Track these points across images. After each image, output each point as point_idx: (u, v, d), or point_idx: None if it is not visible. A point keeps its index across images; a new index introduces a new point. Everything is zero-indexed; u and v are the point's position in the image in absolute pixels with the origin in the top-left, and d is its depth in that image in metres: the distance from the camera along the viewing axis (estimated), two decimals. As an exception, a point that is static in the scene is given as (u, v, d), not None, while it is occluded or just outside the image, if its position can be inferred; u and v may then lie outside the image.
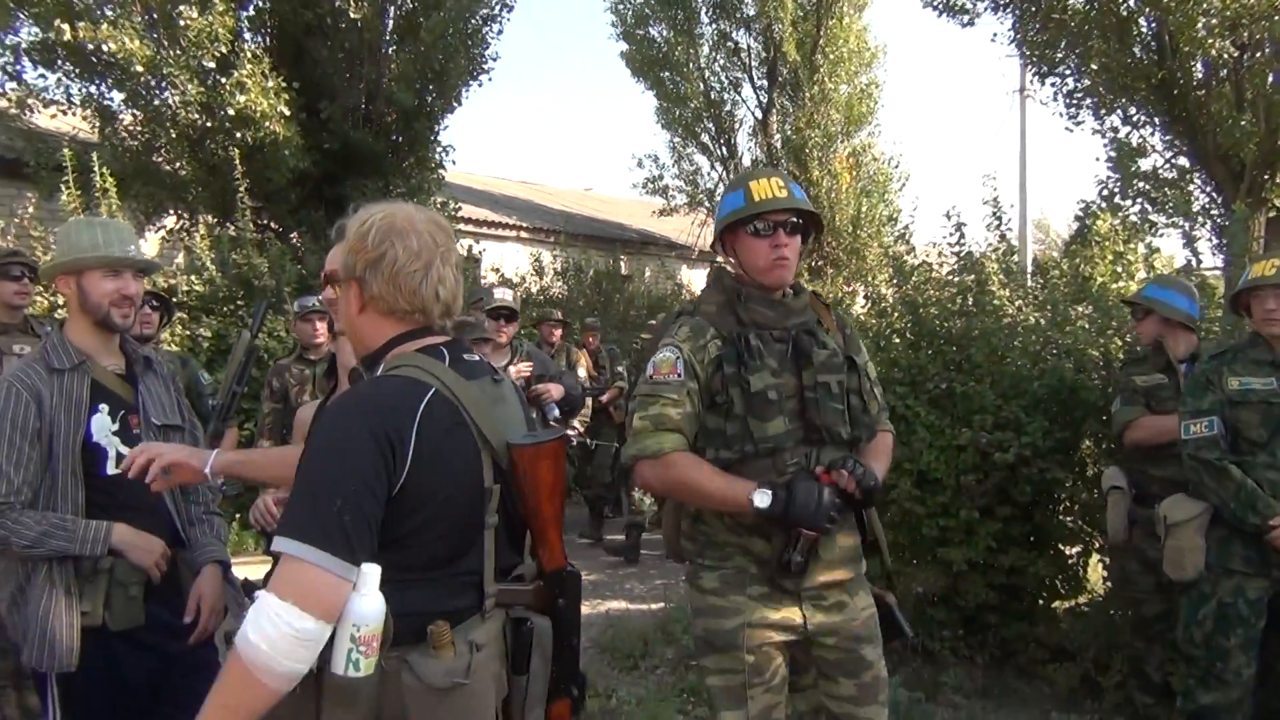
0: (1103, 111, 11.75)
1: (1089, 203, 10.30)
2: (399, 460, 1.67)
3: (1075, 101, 11.96)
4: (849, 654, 2.70)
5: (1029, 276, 7.41)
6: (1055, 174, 67.81)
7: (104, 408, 2.66)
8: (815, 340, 2.66)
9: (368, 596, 1.61)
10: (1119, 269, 6.84)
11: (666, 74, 18.47)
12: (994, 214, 6.29)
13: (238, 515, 7.48)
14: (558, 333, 8.88)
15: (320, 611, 1.58)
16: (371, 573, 1.62)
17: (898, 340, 5.81)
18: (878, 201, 18.04)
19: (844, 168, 17.56)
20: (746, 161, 18.95)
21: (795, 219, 2.63)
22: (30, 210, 10.38)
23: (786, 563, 2.50)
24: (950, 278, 6.00)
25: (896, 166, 18.70)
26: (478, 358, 1.95)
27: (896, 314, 6.01)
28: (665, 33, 18.43)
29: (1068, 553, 5.40)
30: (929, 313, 5.70)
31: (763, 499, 2.41)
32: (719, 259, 3.00)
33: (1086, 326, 5.48)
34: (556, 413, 5.35)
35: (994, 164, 18.97)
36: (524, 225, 17.91)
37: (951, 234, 6.11)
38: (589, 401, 8.25)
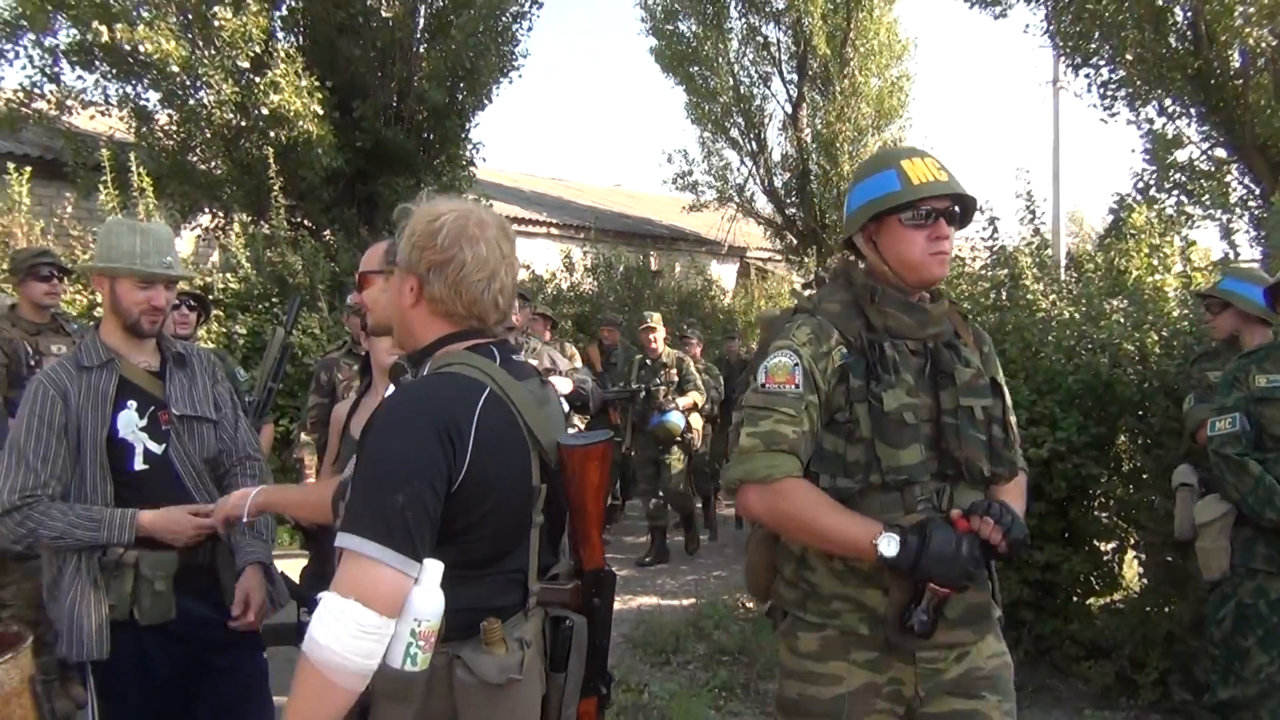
0: (1138, 103, 11.63)
1: (1124, 195, 10.21)
2: (459, 455, 1.68)
3: (1110, 93, 11.85)
4: (964, 710, 2.20)
5: (1063, 270, 7.35)
6: (1089, 166, 67.05)
7: (132, 404, 2.69)
8: (958, 356, 2.27)
9: (430, 591, 1.62)
10: (1155, 262, 6.75)
11: (696, 69, 18.44)
12: (1027, 207, 6.25)
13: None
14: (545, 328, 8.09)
15: (383, 607, 1.58)
16: (434, 568, 1.63)
17: (930, 335, 5.77)
18: (909, 196, 17.92)
19: (875, 162, 17.47)
20: (776, 157, 18.92)
21: (955, 207, 2.27)
22: (69, 209, 10.53)
23: (909, 623, 2.06)
24: (983, 272, 5.97)
25: (928, 161, 18.53)
26: (523, 358, 1.98)
27: (929, 309, 5.97)
28: (694, 27, 18.38)
29: (1103, 549, 5.36)
30: (962, 308, 5.65)
31: (889, 546, 2.00)
32: (839, 254, 2.72)
33: (1122, 321, 5.42)
34: (564, 406, 5.39)
35: (1027, 157, 18.88)
36: (554, 222, 17.98)
37: (984, 228, 6.09)
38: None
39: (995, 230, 6.07)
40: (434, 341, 1.88)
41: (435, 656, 1.65)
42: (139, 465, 2.67)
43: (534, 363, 5.02)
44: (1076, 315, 5.52)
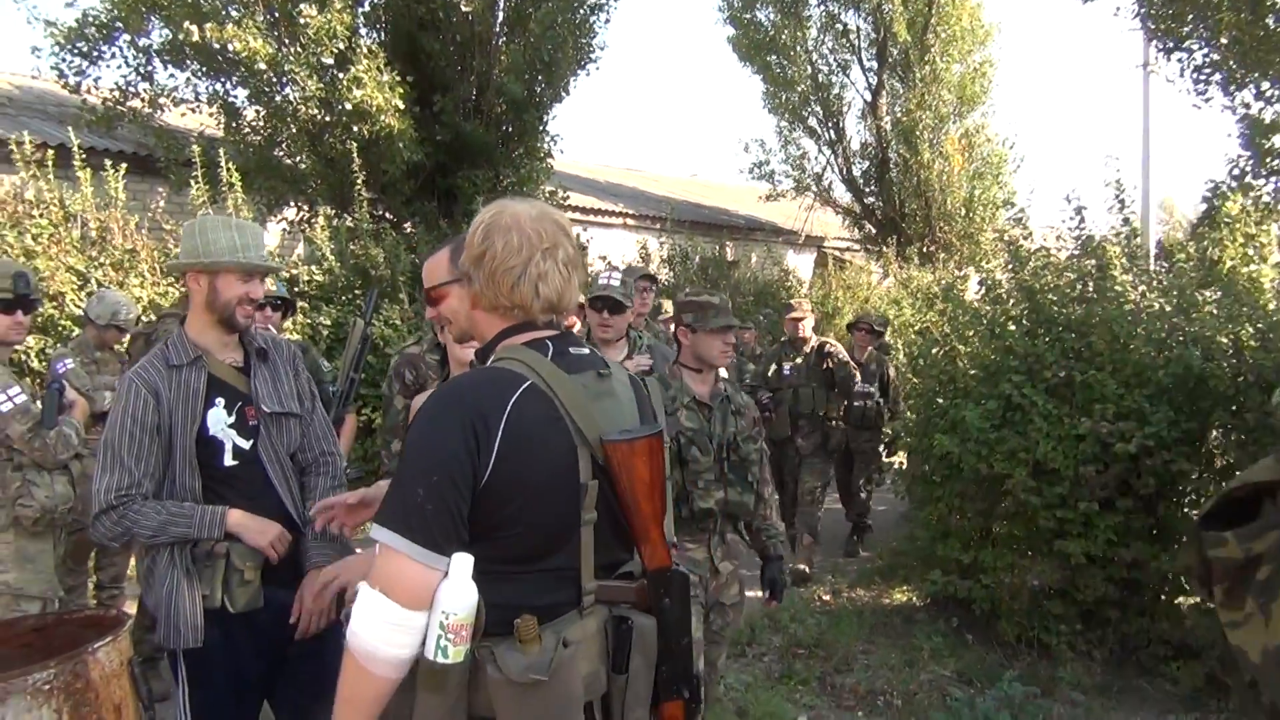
0: (1233, 86, 11.20)
1: (1218, 183, 9.87)
2: (484, 450, 1.68)
3: (1203, 76, 11.43)
4: None
5: (1153, 261, 7.15)
6: (1181, 153, 65.00)
7: (220, 401, 2.76)
8: None
9: (457, 585, 1.64)
10: (1250, 252, 6.53)
11: (774, 58, 18.29)
12: (1116, 196, 6.09)
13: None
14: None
15: (407, 599, 1.64)
16: (462, 562, 1.65)
17: (1013, 327, 5.69)
18: (991, 184, 17.61)
19: (956, 150, 17.18)
20: (855, 145, 18.71)
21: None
22: (161, 204, 10.86)
23: None
24: (1069, 262, 5.84)
25: (1011, 148, 18.21)
26: (587, 351, 1.94)
27: (1012, 300, 5.88)
28: (772, 16, 18.24)
29: (1194, 547, 5.21)
30: (1047, 299, 5.56)
31: None
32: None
33: (1215, 312, 5.27)
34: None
35: (1115, 144, 18.39)
36: (630, 212, 18.01)
37: (1071, 217, 5.95)
38: None
39: (1082, 220, 5.93)
40: (494, 339, 1.90)
41: (478, 651, 1.68)
42: (228, 461, 2.74)
43: (643, 360, 4.54)
44: (1167, 307, 5.38)
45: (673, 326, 8.19)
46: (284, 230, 12.04)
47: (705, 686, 2.01)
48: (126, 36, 10.84)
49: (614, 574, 1.88)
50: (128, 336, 5.66)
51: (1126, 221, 6.11)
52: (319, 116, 10.46)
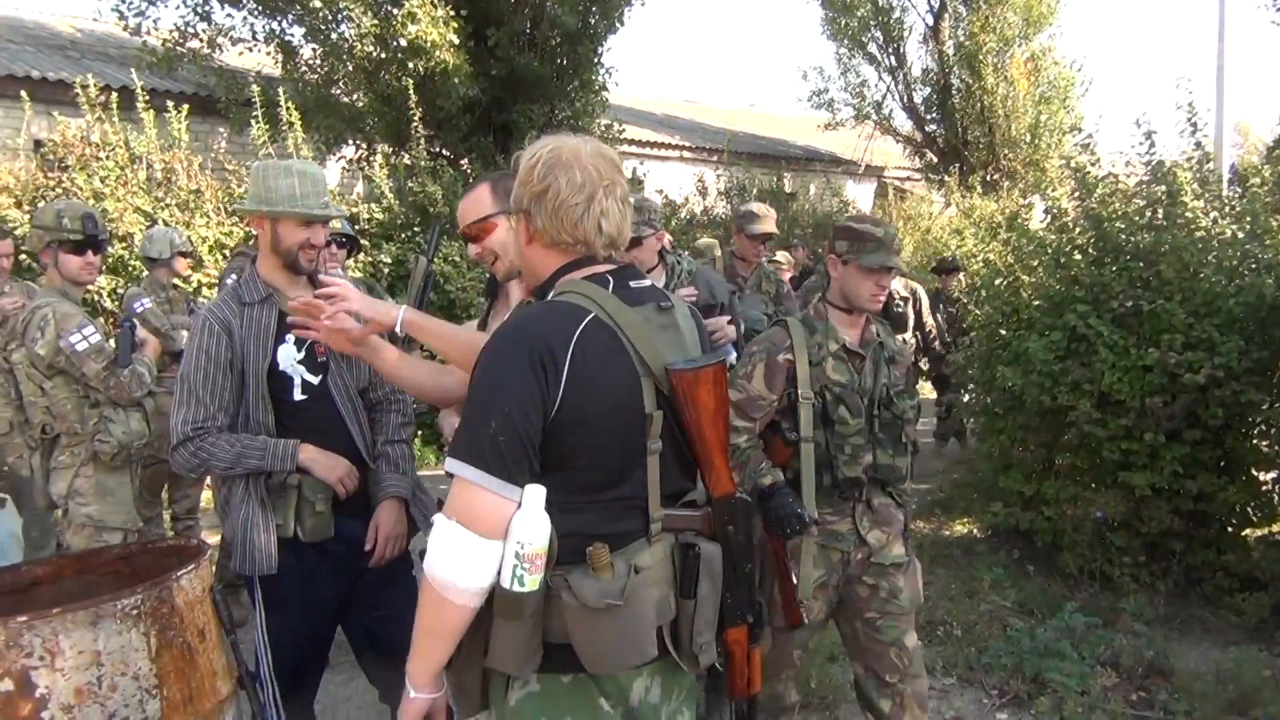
0: (1315, 1, 10.74)
1: (1297, 103, 9.48)
2: (552, 382, 1.71)
3: (1284, -9, 10.96)
4: None
5: (1226, 186, 6.92)
6: (1258, 74, 62.38)
7: (290, 338, 2.82)
8: None
9: (531, 516, 1.68)
10: (1329, 175, 6.30)
11: (833, -19, 17.85)
12: (1188, 119, 5.89)
13: (420, 432, 7.85)
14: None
15: (483, 528, 1.68)
16: (534, 493, 1.70)
17: (1079, 256, 5.57)
18: (1058, 109, 17.07)
19: (1021, 74, 16.68)
20: (916, 71, 18.25)
21: None
22: (223, 145, 11.00)
23: None
24: (1138, 189, 5.69)
25: (1079, 71, 17.59)
26: (648, 283, 1.95)
27: (1079, 229, 5.75)
28: (831, -62, 17.77)
29: (1262, 479, 5.13)
30: (1114, 227, 5.43)
31: None
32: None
33: (1290, 238, 5.11)
34: (733, 358, 3.79)
35: (1188, 65, 17.71)
36: (686, 145, 17.83)
37: (1140, 142, 5.78)
38: None
39: (1152, 144, 5.76)
40: (552, 275, 1.92)
41: (552, 579, 1.72)
42: (298, 396, 2.82)
43: (687, 292, 4.02)
44: (1240, 233, 5.23)
45: (789, 274, 7.73)
46: (343, 169, 12.14)
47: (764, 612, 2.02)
48: (184, -24, 10.91)
49: (679, 502, 1.91)
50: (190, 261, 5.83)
51: (1198, 145, 5.91)
52: (375, 53, 10.47)
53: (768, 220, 5.75)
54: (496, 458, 1.69)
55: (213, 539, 4.84)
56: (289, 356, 2.81)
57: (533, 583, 1.69)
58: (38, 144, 9.48)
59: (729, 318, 4.13)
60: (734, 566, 1.89)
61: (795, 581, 2.94)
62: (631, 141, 15.66)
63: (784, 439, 2.97)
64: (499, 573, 1.70)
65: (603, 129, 12.27)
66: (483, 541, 1.69)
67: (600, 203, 1.86)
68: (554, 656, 1.76)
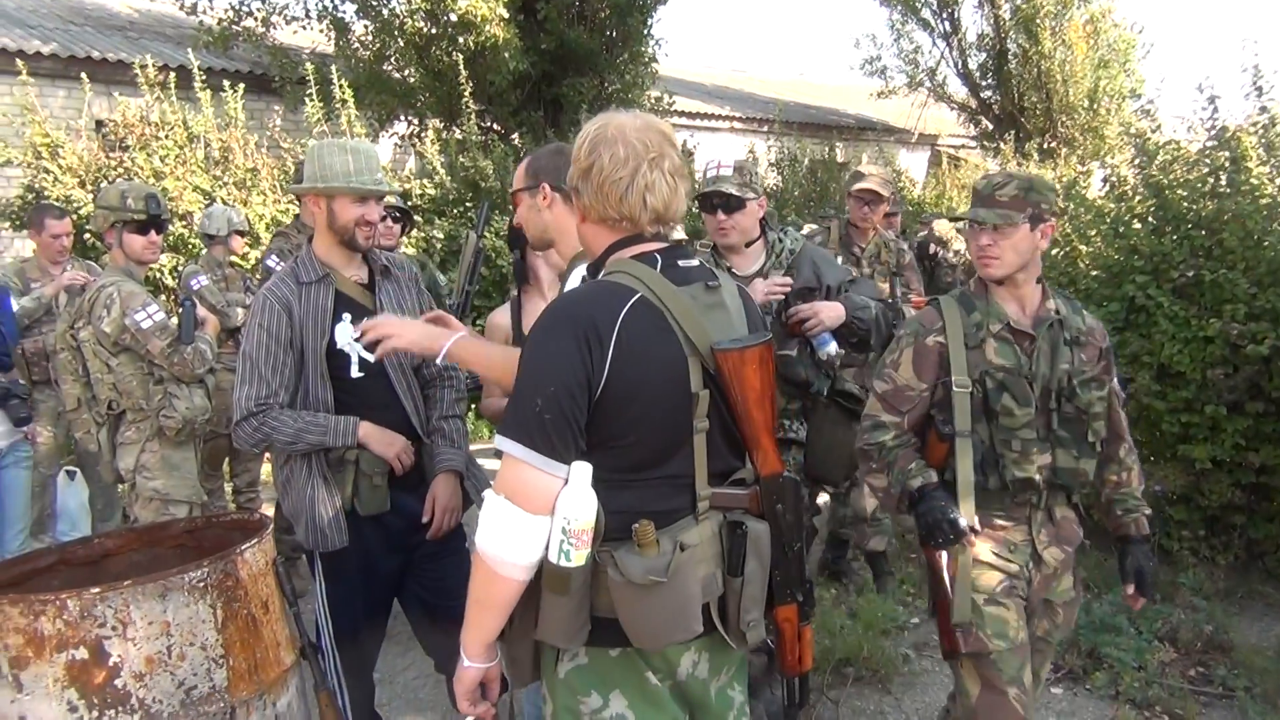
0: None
1: (1370, 63, 9.17)
2: (598, 361, 1.74)
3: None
4: None
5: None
6: (1330, 29, 60.25)
7: (347, 316, 2.88)
8: None
9: (577, 492, 1.72)
10: (1403, 138, 6.10)
11: (885, -54, 17.55)
12: (1253, 82, 5.73)
13: (473, 406, 7.92)
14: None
15: (532, 505, 1.72)
16: (581, 470, 1.73)
17: (1139, 225, 5.46)
18: (1118, 73, 16.66)
19: (1079, 37, 16.26)
20: (971, 36, 17.91)
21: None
22: (278, 122, 11.12)
23: None
24: (1201, 155, 5.55)
25: (1140, 33, 17.14)
26: (697, 263, 1.95)
27: (1138, 197, 5.63)
28: (884, -98, 17.45)
29: (1328, 452, 5.02)
30: (1175, 195, 5.31)
31: None
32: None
33: (1360, 203, 4.97)
34: (833, 348, 3.28)
35: (1256, 25, 17.11)
36: (736, 115, 17.70)
37: (1203, 107, 5.63)
38: None
39: (1216, 109, 5.61)
40: (604, 251, 1.93)
41: (599, 555, 1.75)
42: (355, 373, 2.87)
43: (779, 282, 3.30)
44: (1307, 200, 5.09)
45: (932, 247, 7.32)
46: (395, 145, 12.22)
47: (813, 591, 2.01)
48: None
49: (727, 481, 1.92)
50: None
51: (1264, 110, 5.74)
52: (425, 29, 10.52)
53: (872, 177, 5.27)
54: (543, 435, 1.72)
55: (272, 511, 4.95)
56: (346, 334, 2.87)
57: (579, 558, 1.72)
58: (99, 124, 9.67)
59: (830, 305, 3.31)
60: (783, 545, 1.90)
61: (951, 599, 2.60)
62: (681, 113, 15.57)
63: (939, 433, 2.63)
64: (547, 548, 1.74)
65: (653, 101, 12.22)
66: (531, 517, 1.73)
67: (645, 176, 1.86)
68: (602, 630, 1.79)
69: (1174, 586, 4.75)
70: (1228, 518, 5.00)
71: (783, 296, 3.28)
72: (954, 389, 2.61)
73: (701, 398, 1.82)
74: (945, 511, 2.54)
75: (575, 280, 2.21)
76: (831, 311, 3.25)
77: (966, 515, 2.57)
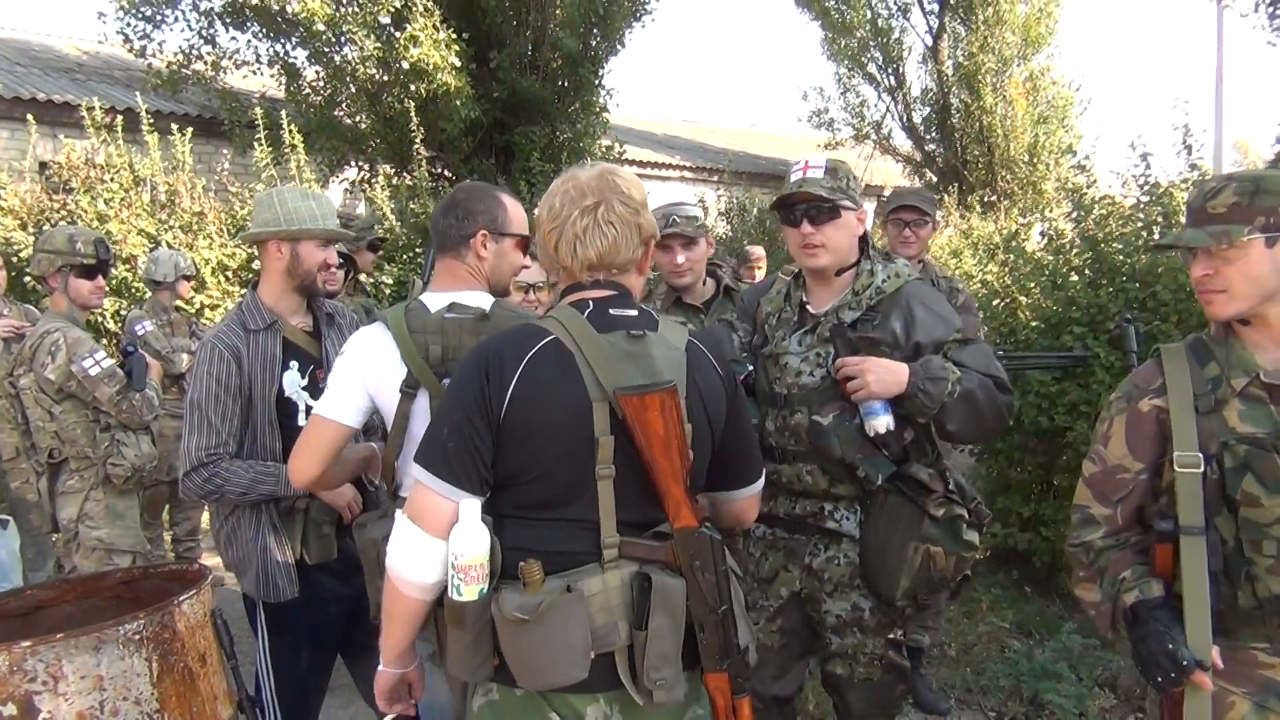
0: (1311, 22, 10.80)
1: (1293, 123, 9.54)
2: (496, 395, 1.79)
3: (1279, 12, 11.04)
4: None
5: (1223, 206, 6.94)
6: (1257, 92, 62.55)
7: (294, 364, 2.88)
8: None
9: (465, 528, 1.76)
10: (1326, 196, 6.32)
11: (832, 2, 17.89)
12: (1184, 141, 5.93)
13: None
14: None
15: (430, 528, 1.79)
16: (469, 506, 1.76)
17: (1076, 278, 5.60)
18: (1056, 129, 17.16)
19: (1020, 93, 16.77)
20: (915, 91, 18.35)
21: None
22: (226, 166, 11.06)
23: None
24: (1135, 211, 5.72)
25: (1078, 90, 17.70)
26: (633, 312, 1.91)
27: (1075, 250, 5.79)
28: (830, -40, 17.89)
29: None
30: (1111, 248, 5.46)
31: None
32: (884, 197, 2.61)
33: (1286, 260, 5.13)
34: (883, 423, 2.56)
35: (1188, 83, 17.83)
36: (687, 165, 17.92)
37: (1137, 164, 5.82)
38: None
39: (1148, 166, 5.80)
40: (559, 297, 2.00)
41: (496, 590, 1.79)
42: (303, 421, 2.85)
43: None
44: (1236, 255, 5.24)
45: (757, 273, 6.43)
46: (345, 190, 12.20)
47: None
48: (188, 0, 11.02)
49: (648, 532, 1.88)
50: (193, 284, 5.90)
51: (1194, 167, 5.95)
52: (377, 76, 10.56)
53: (912, 193, 4.60)
54: (445, 463, 1.78)
55: (212, 561, 4.86)
56: (294, 382, 2.86)
57: (470, 592, 1.76)
58: (43, 166, 9.55)
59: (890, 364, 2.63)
60: (703, 605, 1.83)
61: None
62: (632, 162, 15.73)
63: (1156, 531, 2.03)
64: (444, 576, 1.79)
65: (604, 150, 12.34)
66: (429, 539, 1.79)
67: (575, 225, 1.89)
68: (509, 668, 1.80)
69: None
70: (1165, 565, 5.08)
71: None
72: (1177, 469, 1.98)
73: (604, 443, 1.81)
74: (1165, 639, 1.92)
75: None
76: (886, 374, 2.52)
77: (1198, 645, 1.91)
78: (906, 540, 2.56)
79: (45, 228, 6.80)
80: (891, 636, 2.77)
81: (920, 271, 4.04)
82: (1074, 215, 5.97)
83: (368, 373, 2.30)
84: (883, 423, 2.53)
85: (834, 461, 2.60)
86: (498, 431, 1.80)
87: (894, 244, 4.40)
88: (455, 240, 2.43)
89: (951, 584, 2.67)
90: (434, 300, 2.38)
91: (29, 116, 9.42)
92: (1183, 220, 5.26)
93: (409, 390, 2.26)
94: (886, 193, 20.46)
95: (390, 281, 9.34)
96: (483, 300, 2.42)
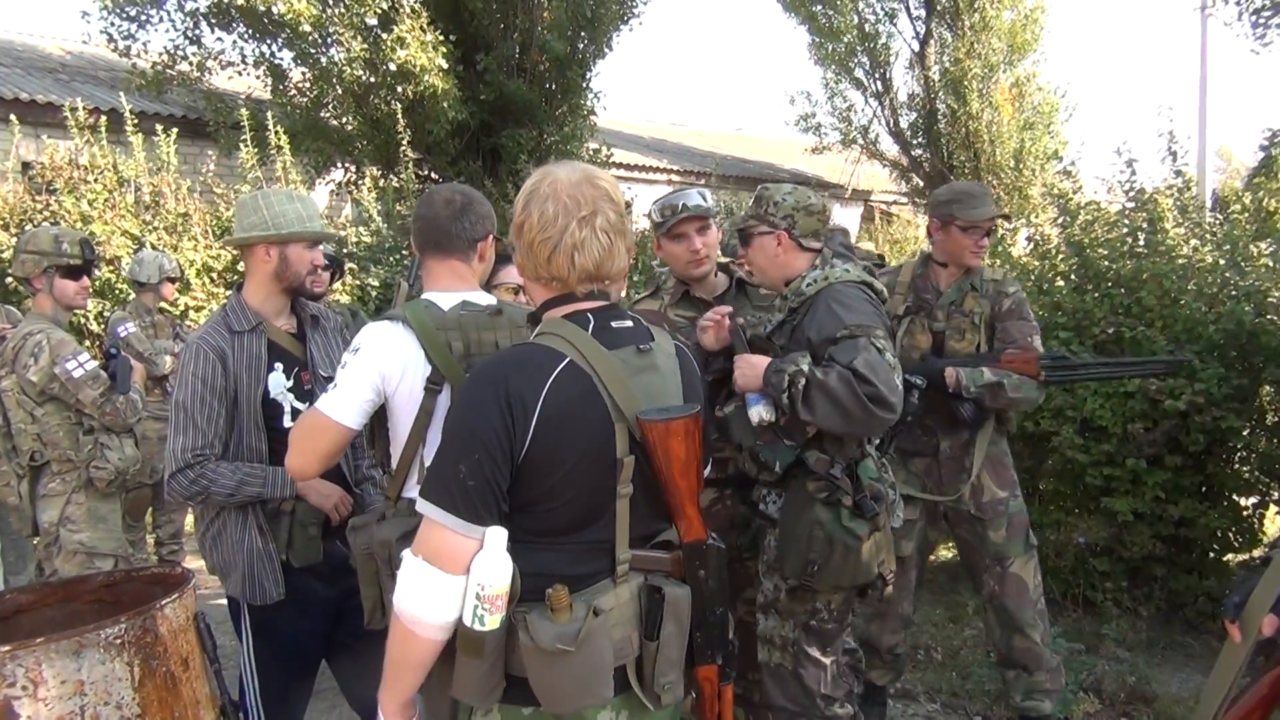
0: (1294, 30, 10.88)
1: (1275, 131, 9.61)
2: (520, 429, 1.73)
3: (1263, 20, 11.12)
4: None
5: (1208, 212, 6.99)
6: (1240, 100, 63.03)
7: (279, 365, 2.87)
8: None
9: (492, 558, 1.71)
10: (1308, 203, 6.38)
11: (819, 7, 17.95)
12: (1168, 148, 5.97)
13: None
14: None
15: (450, 568, 1.72)
16: (496, 536, 1.72)
17: (1062, 284, 5.63)
18: (1042, 134, 17.27)
19: (1005, 99, 16.85)
20: (902, 96, 18.41)
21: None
22: (212, 167, 11.01)
23: None
24: (1120, 216, 5.75)
25: (1063, 97, 17.84)
26: (630, 324, 1.92)
27: (1061, 256, 5.81)
28: (818, -36, 17.93)
29: (1243, 504, 5.17)
30: (1096, 254, 5.48)
31: None
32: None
33: (1271, 264, 5.17)
34: (757, 412, 2.82)
35: (1172, 90, 18.00)
36: (675, 168, 17.94)
37: (1122, 170, 5.85)
38: None
39: (1134, 172, 5.83)
40: (540, 307, 1.93)
41: (514, 616, 1.74)
42: (288, 423, 2.83)
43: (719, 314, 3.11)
44: (1220, 260, 5.28)
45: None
46: (331, 192, 12.16)
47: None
48: (173, 0, 10.97)
49: (651, 543, 1.91)
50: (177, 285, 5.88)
51: (1179, 174, 5.99)
52: (364, 78, 10.53)
53: (991, 198, 3.82)
54: (465, 500, 1.72)
55: (195, 564, 4.83)
56: (279, 384, 2.84)
57: (493, 622, 1.72)
58: (26, 166, 9.48)
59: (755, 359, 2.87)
60: (704, 609, 1.88)
61: None
62: (619, 165, 15.74)
63: None
64: (462, 611, 1.73)
65: (591, 153, 12.34)
66: (449, 578, 1.73)
67: (573, 235, 1.82)
68: (516, 689, 1.78)
69: (1098, 638, 4.83)
70: (1149, 569, 5.11)
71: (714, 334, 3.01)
72: None
73: (626, 463, 1.80)
74: (1238, 587, 1.92)
75: None
76: (748, 369, 2.83)
77: (1255, 604, 2.10)
78: (798, 521, 2.77)
79: (28, 228, 6.74)
80: (808, 623, 2.92)
81: (963, 285, 3.77)
82: (1060, 221, 5.99)
83: (385, 370, 2.25)
84: (755, 413, 2.78)
85: (740, 449, 2.91)
86: (519, 464, 1.75)
87: (964, 255, 3.71)
88: (466, 243, 2.42)
89: (842, 572, 2.76)
90: (443, 299, 2.36)
91: (12, 116, 9.36)
92: (1167, 227, 5.35)
93: (434, 386, 2.23)
94: (874, 197, 20.63)
95: (376, 284, 9.31)
96: (487, 300, 2.42)
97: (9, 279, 7.04)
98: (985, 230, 3.68)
